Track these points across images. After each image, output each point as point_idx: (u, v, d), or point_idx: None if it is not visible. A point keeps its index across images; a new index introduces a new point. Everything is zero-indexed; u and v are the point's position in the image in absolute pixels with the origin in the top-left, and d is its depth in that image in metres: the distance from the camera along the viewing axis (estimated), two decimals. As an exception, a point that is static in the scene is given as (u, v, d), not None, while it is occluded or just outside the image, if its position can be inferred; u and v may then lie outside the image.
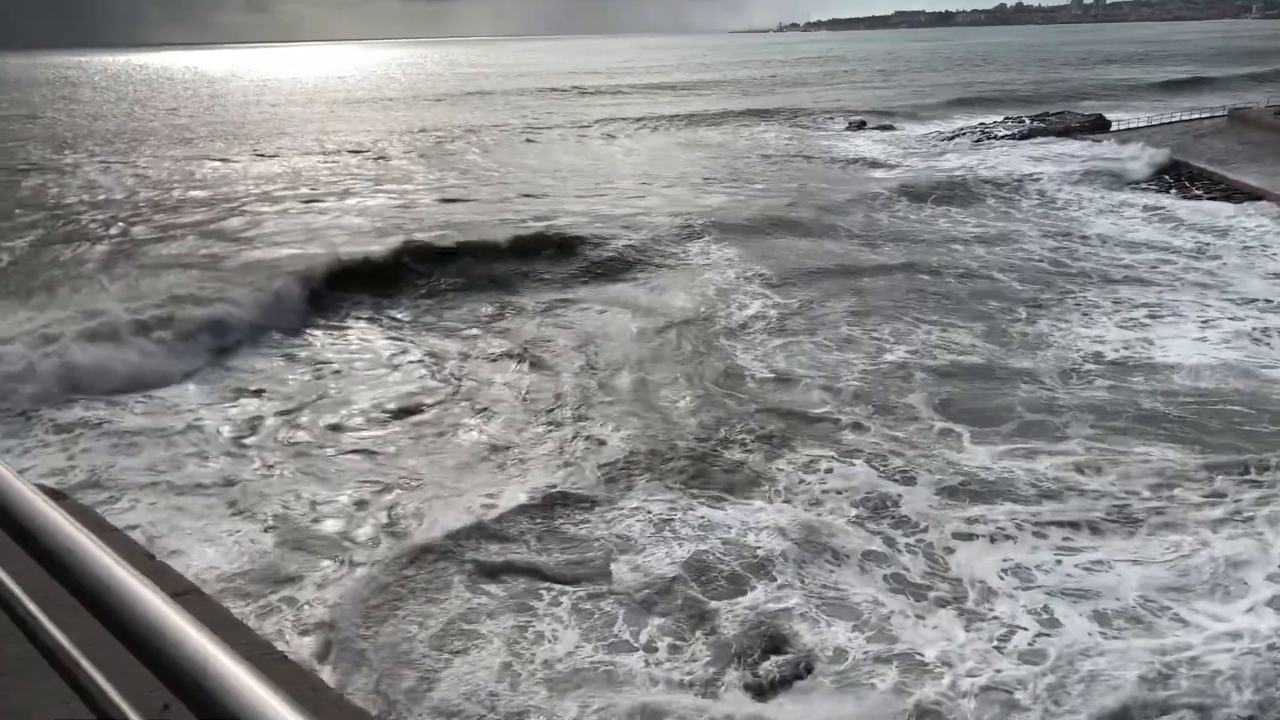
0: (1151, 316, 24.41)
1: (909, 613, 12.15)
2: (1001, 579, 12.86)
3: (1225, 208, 36.49)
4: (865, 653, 11.35)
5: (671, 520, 14.43)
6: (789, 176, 47.67)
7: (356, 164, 53.47)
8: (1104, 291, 26.79)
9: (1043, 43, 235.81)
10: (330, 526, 14.52)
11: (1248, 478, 15.31)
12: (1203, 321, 23.77)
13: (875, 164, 51.65)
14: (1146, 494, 14.98)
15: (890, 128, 69.98)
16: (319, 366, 21.67)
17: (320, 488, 15.77)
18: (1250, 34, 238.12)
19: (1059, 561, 13.24)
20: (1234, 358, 21.00)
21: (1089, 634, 11.70)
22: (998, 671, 11.04)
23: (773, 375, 20.71)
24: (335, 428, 18.24)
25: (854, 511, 14.67)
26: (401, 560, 13.40)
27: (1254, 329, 23.01)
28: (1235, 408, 18.18)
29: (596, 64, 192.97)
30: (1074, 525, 14.15)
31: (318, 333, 23.96)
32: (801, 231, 33.86)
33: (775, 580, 12.94)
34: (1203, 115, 63.41)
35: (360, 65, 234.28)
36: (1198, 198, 38.93)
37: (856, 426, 17.92)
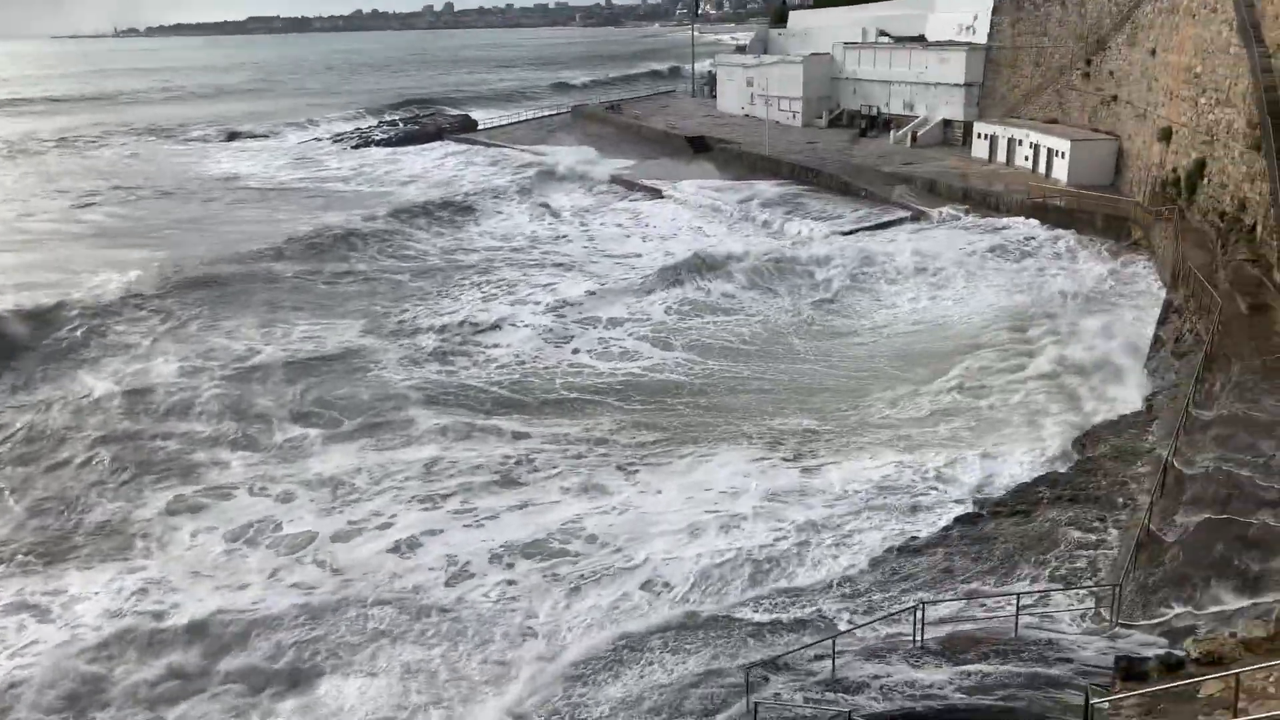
0: (510, 293, 27.60)
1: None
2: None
3: (574, 188, 42.80)
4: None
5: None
6: (152, 199, 43.96)
7: None
8: (479, 277, 29.60)
9: (402, 48, 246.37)
10: None
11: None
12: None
13: (249, 175, 50.08)
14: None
15: (265, 136, 67.78)
16: None
17: None
18: (575, 40, 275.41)
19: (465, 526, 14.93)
20: (547, 324, 24.73)
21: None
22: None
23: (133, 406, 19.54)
24: None
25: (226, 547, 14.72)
26: None
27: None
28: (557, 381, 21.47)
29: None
30: (451, 495, 16.01)
31: None
32: (174, 255, 31.28)
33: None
34: (553, 113, 73.23)
35: None
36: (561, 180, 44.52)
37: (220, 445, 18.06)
